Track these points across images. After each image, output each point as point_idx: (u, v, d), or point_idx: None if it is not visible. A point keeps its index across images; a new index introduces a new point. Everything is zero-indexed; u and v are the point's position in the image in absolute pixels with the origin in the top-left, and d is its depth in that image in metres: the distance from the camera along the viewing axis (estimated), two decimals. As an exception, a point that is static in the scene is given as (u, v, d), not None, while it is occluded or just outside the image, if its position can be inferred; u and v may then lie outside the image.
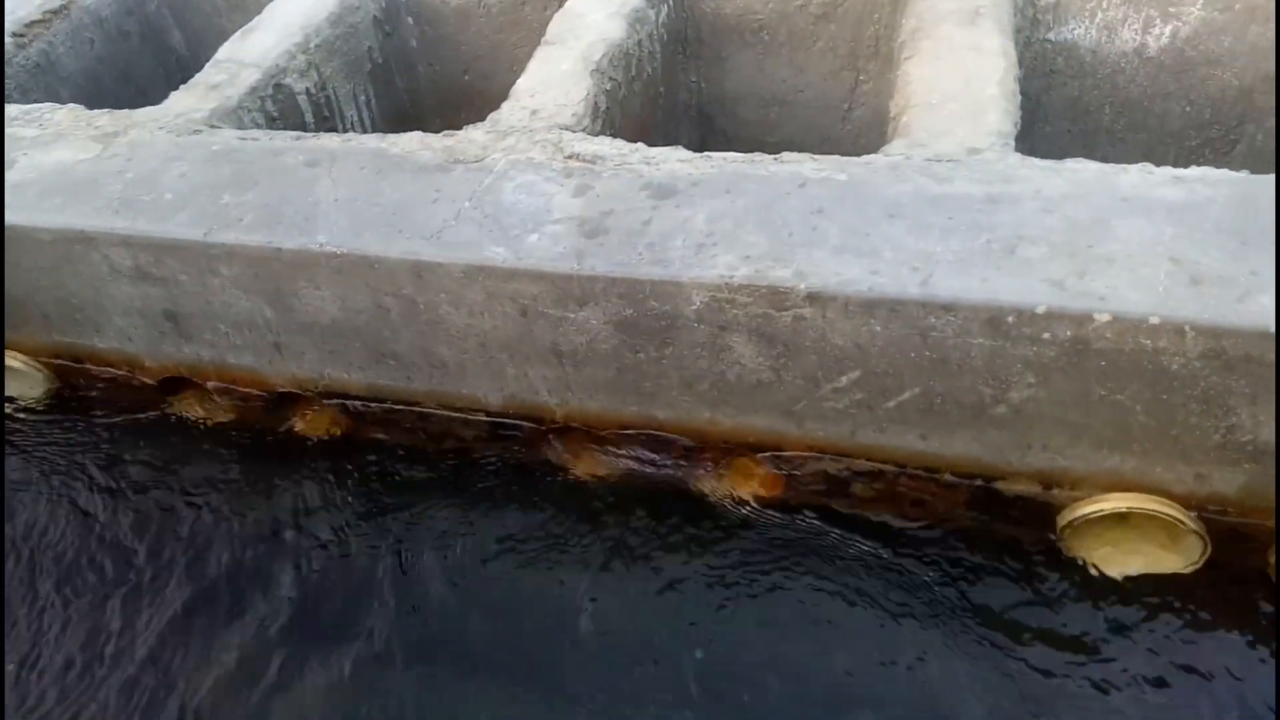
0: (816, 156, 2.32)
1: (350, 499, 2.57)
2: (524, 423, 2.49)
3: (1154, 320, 1.79)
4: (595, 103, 2.78)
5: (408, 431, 2.61)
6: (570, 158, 2.42)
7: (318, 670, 2.25)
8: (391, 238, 2.24)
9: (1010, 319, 1.87)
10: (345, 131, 3.54)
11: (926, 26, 2.89)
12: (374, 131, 3.68)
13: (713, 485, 2.41)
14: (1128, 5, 3.16)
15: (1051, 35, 3.27)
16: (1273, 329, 1.74)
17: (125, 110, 2.93)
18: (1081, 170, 2.17)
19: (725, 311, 2.04)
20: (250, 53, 3.15)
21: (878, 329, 1.97)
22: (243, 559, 2.50)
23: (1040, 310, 1.85)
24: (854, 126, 3.70)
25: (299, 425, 2.70)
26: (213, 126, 2.83)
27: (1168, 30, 3.17)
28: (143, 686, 2.28)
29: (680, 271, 2.03)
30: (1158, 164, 2.88)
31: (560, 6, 3.20)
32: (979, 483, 2.21)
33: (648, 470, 2.45)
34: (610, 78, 2.94)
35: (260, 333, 2.48)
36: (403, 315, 2.30)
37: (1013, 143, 2.37)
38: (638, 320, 2.12)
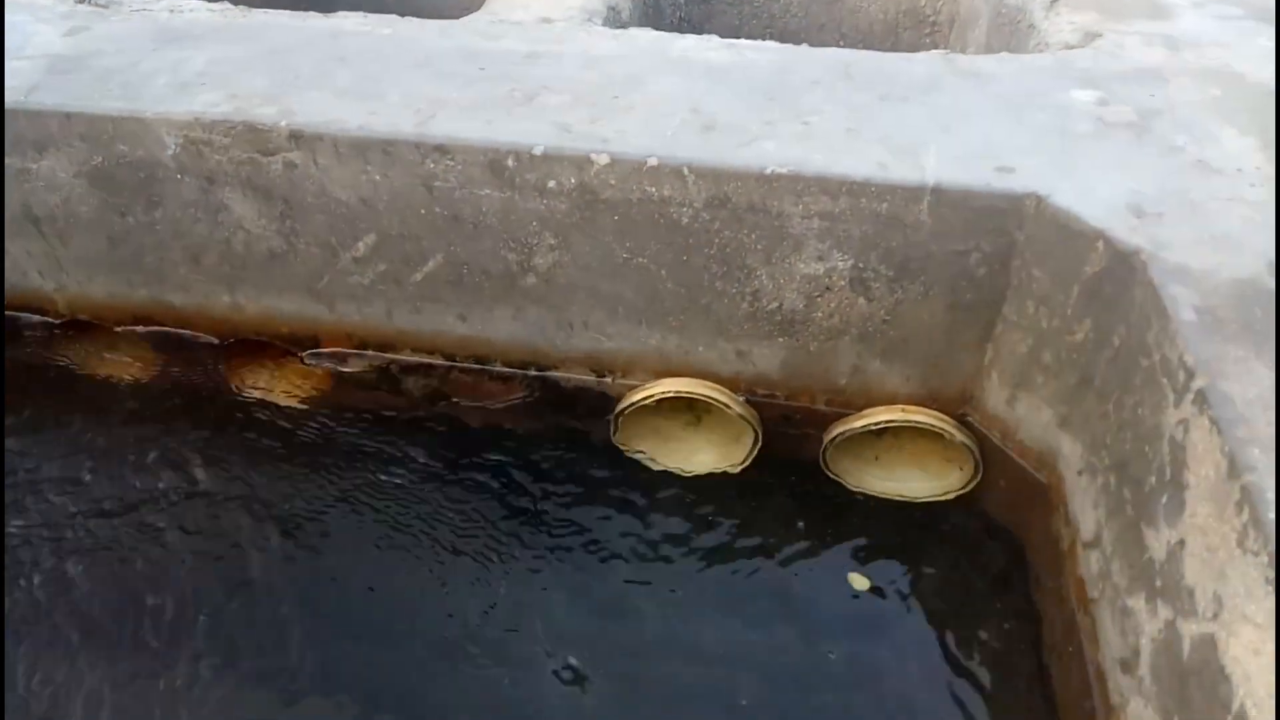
0: (369, 15, 2.08)
1: None
2: (27, 315, 2.09)
3: (653, 162, 1.64)
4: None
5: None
6: (82, 1, 2.06)
7: None
8: None
9: (510, 162, 1.67)
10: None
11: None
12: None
13: (255, 389, 2.10)
14: (775, -72, 3.12)
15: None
16: (770, 170, 1.62)
17: None
18: (640, 36, 2.02)
19: (206, 157, 1.74)
20: None
21: (378, 178, 1.73)
22: None
23: (538, 151, 1.66)
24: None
25: None
26: None
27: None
28: None
29: (149, 106, 1.72)
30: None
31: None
32: (533, 373, 2.01)
33: (182, 371, 2.11)
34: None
35: None
36: None
37: (599, 21, 2.22)
38: (112, 171, 1.79)
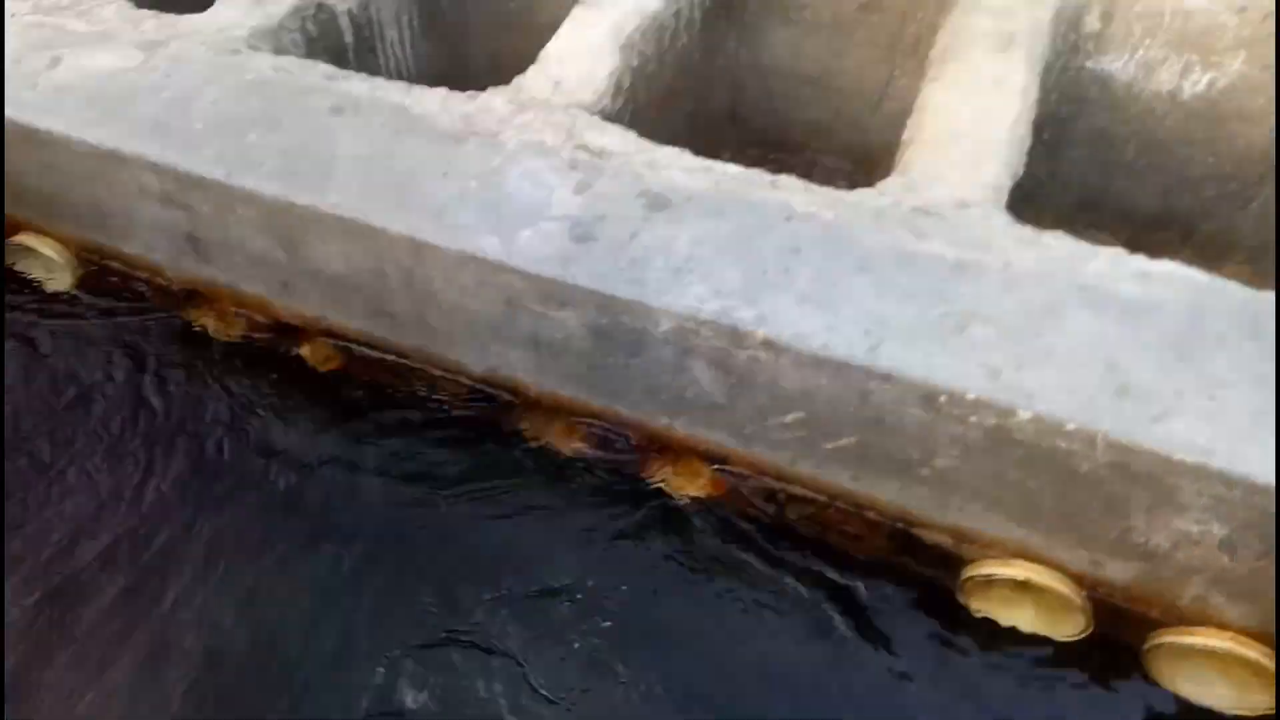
0: (811, 187, 2.40)
1: (336, 421, 2.80)
2: (501, 392, 2.68)
3: (1071, 426, 1.93)
4: (619, 81, 2.84)
5: (396, 376, 2.81)
6: (579, 148, 2.51)
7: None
8: (397, 209, 2.38)
9: (943, 399, 2.01)
10: (384, 54, 3.60)
11: (958, 48, 2.89)
12: (411, 53, 3.74)
13: (665, 477, 2.61)
14: (1169, 48, 3.11)
15: (1089, 64, 3.24)
16: (1179, 457, 1.87)
17: (172, 16, 3.02)
18: (1054, 248, 2.24)
19: (690, 339, 2.18)
20: (296, -30, 3.19)
21: (823, 382, 2.11)
22: (238, 450, 2.76)
23: (970, 397, 1.98)
24: (883, 119, 3.70)
25: (303, 351, 2.90)
26: (252, 47, 2.93)
27: (1205, 79, 3.14)
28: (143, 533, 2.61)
29: (654, 296, 2.17)
30: (1173, 207, 3.07)
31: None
32: (899, 525, 2.39)
33: (608, 452, 2.65)
34: (640, 52, 2.97)
35: (272, 269, 2.66)
36: (401, 282, 2.46)
37: (1005, 196, 2.44)
38: (611, 330, 2.27)
